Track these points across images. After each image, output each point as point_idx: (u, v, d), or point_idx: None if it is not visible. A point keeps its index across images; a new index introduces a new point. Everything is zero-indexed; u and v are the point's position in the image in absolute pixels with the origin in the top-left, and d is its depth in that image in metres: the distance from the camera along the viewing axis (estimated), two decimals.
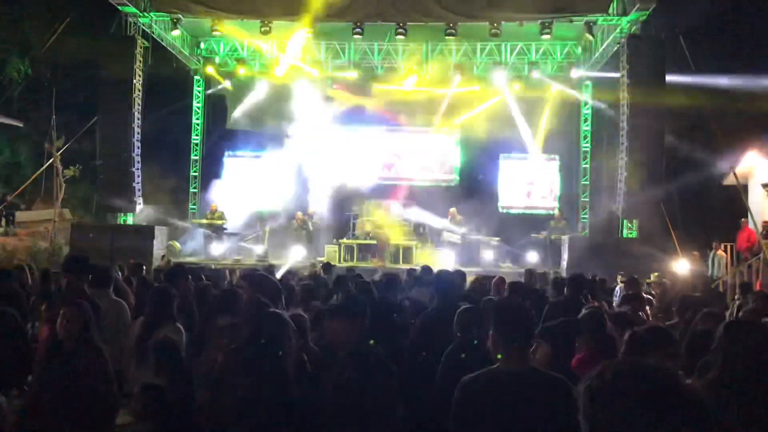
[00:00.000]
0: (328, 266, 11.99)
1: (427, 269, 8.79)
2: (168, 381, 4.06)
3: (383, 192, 21.25)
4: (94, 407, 3.85)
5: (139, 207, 19.32)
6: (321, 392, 3.62)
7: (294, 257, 18.17)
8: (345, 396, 3.49)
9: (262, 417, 3.40)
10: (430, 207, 19.83)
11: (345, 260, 18.68)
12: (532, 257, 18.34)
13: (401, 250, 18.93)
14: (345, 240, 19.57)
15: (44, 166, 21.03)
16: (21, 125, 23.00)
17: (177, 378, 4.06)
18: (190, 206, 22.75)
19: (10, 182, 22.95)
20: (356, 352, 3.63)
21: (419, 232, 19.79)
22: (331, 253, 19.18)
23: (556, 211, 20.06)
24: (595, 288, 6.68)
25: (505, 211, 21.63)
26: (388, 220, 19.54)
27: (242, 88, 22.27)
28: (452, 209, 19.31)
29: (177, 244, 19.83)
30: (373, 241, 18.93)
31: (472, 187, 21.66)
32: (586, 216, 21.35)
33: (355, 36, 18.08)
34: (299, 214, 19.88)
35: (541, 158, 21.73)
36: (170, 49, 20.26)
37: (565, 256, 16.92)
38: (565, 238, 17.55)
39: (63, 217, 20.19)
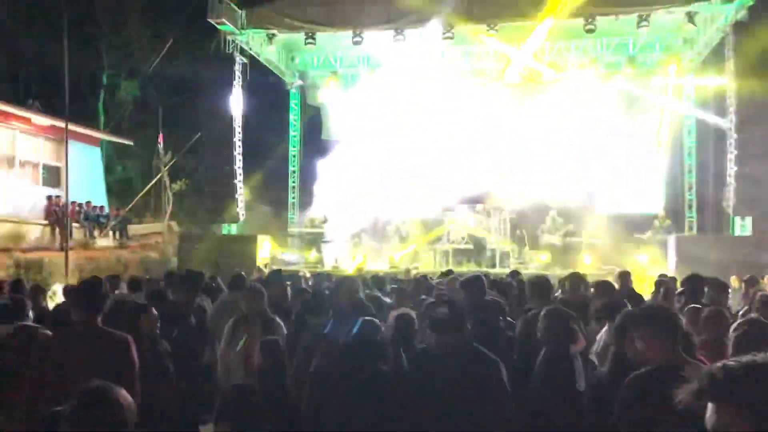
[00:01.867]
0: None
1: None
2: (266, 382, 4.14)
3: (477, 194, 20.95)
4: None
5: (242, 217, 20.04)
6: (425, 395, 3.61)
7: (387, 263, 18.34)
8: (454, 399, 3.48)
9: (360, 424, 3.42)
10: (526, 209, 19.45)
11: (440, 265, 18.61)
12: (636, 259, 17.64)
13: (498, 254, 18.69)
14: (439, 245, 19.52)
15: (153, 182, 22.24)
16: (131, 144, 24.42)
17: (275, 379, 4.12)
18: (290, 215, 23.37)
19: (122, 197, 24.37)
20: (464, 353, 3.63)
21: (516, 234, 19.46)
22: (425, 258, 19.19)
23: (661, 211, 19.24)
24: (716, 289, 6.28)
25: (605, 212, 20.93)
26: (484, 224, 19.35)
27: (336, 99, 22.70)
28: (552, 211, 18.87)
29: (279, 252, 20.40)
30: (470, 245, 18.78)
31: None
32: (693, 215, 20.35)
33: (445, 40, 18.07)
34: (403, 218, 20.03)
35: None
36: (267, 65, 20.94)
37: (672, 256, 16.19)
38: (671, 237, 16.79)
39: (171, 229, 21.25)
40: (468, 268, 17.53)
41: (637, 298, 6.25)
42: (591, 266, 16.98)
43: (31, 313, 5.31)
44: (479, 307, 5.29)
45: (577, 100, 20.21)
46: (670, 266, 16.01)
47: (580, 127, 19.99)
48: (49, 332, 4.71)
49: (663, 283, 8.01)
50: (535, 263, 18.18)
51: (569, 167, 19.92)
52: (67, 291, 6.38)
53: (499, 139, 20.48)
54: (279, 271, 11.79)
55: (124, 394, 2.40)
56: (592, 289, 6.99)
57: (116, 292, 6.26)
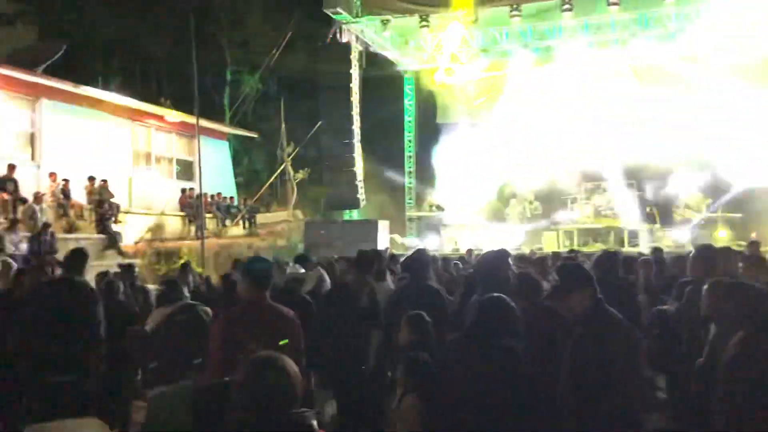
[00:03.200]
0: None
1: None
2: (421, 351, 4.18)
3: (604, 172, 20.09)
4: None
5: (362, 203, 20.38)
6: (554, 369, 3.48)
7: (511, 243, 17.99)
8: (586, 371, 3.34)
9: (493, 406, 3.34)
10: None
11: (564, 246, 18.08)
12: None
13: (626, 233, 17.94)
14: (563, 225, 18.97)
15: (277, 172, 23.06)
16: (256, 136, 25.41)
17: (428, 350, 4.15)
18: (407, 200, 23.51)
19: (249, 188, 25.43)
20: (594, 320, 3.44)
21: (647, 212, 18.54)
22: (549, 238, 18.71)
23: None
24: None
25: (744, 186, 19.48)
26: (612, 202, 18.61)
27: (452, 82, 22.50)
28: (688, 185, 17.78)
29: (398, 237, 20.60)
30: (598, 224, 18.12)
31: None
32: None
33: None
34: (522, 198, 19.63)
35: None
36: (381, 51, 21.08)
37: None
38: None
39: (296, 217, 21.95)
40: (594, 249, 16.95)
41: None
42: (727, 241, 15.95)
43: (186, 293, 5.65)
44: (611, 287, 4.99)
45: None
46: None
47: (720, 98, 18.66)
48: (208, 309, 5.03)
49: None
50: (666, 241, 17.27)
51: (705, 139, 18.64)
52: (226, 275, 6.76)
53: (629, 113, 19.45)
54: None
55: (292, 365, 2.48)
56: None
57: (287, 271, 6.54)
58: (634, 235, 17.88)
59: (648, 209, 18.52)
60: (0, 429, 4.54)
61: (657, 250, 9.91)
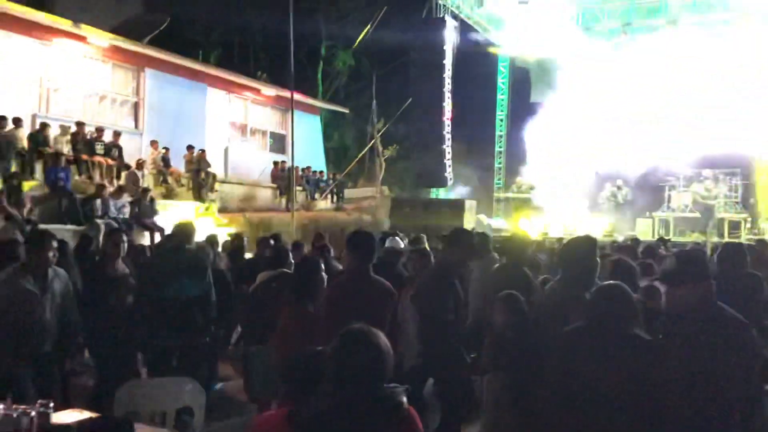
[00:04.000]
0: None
1: None
2: (516, 332, 4.10)
3: (703, 160, 19.11)
4: None
5: (449, 182, 20.25)
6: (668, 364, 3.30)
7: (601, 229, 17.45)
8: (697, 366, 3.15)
9: (611, 402, 3.22)
10: None
11: (659, 234, 17.38)
12: None
13: (727, 223, 17.05)
14: (659, 213, 18.21)
15: (367, 148, 23.22)
16: (347, 111, 25.63)
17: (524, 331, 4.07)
18: (496, 180, 23.21)
19: (338, 163, 25.76)
20: (708, 315, 3.19)
21: (749, 202, 17.56)
22: (643, 226, 18.02)
23: None
24: None
25: None
26: (713, 190, 17.69)
27: (546, 60, 21.93)
28: None
29: (484, 218, 20.37)
30: (695, 214, 17.31)
31: None
32: None
33: None
34: (616, 183, 18.99)
35: None
36: (476, 27, 20.74)
37: None
38: None
39: (383, 194, 22.07)
40: (691, 239, 16.22)
41: None
42: None
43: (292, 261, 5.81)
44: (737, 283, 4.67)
45: None
46: None
47: None
48: None
49: None
50: None
51: None
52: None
53: (736, 97, 18.34)
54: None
55: (384, 340, 2.47)
56: None
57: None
58: (735, 227, 16.98)
59: (751, 200, 17.55)
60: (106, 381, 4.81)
61: (760, 243, 9.38)
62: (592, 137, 19.37)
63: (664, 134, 18.79)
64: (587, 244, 4.23)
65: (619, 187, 19.11)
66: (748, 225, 17.06)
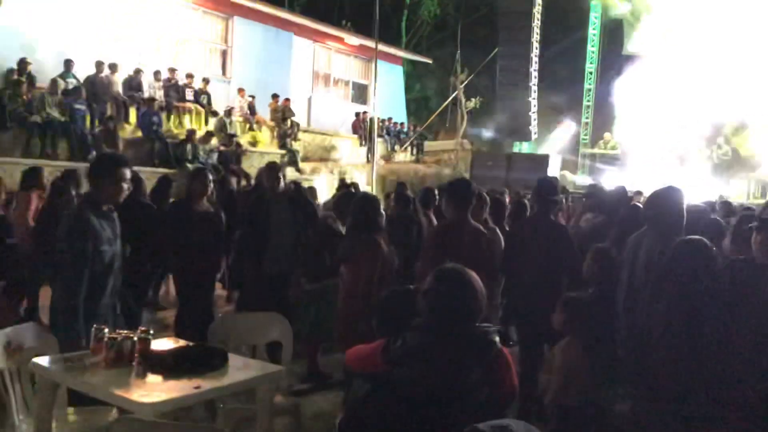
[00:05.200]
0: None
1: None
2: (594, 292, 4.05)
3: None
4: None
5: (534, 135, 19.78)
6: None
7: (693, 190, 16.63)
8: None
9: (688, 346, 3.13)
10: None
11: (754, 197, 16.47)
12: None
13: None
14: (756, 174, 17.21)
15: (449, 99, 22.87)
16: (430, 62, 25.26)
17: (603, 290, 4.01)
18: (582, 136, 22.46)
19: (419, 114, 25.55)
20: None
21: None
22: (738, 187, 17.08)
23: None
24: None
25: None
26: None
27: (640, 11, 20.82)
28: None
29: (569, 174, 19.86)
30: None
31: None
32: None
33: None
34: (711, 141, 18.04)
35: None
36: None
37: None
38: None
39: (464, 147, 21.77)
40: None
41: None
42: None
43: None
44: None
45: None
46: None
47: None
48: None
49: None
50: None
51: None
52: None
53: None
54: None
55: (478, 280, 2.46)
56: None
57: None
58: None
59: None
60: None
61: None
62: (686, 91, 18.36)
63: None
64: (671, 195, 4.02)
65: (719, 146, 18.12)
66: None
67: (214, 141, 14.00)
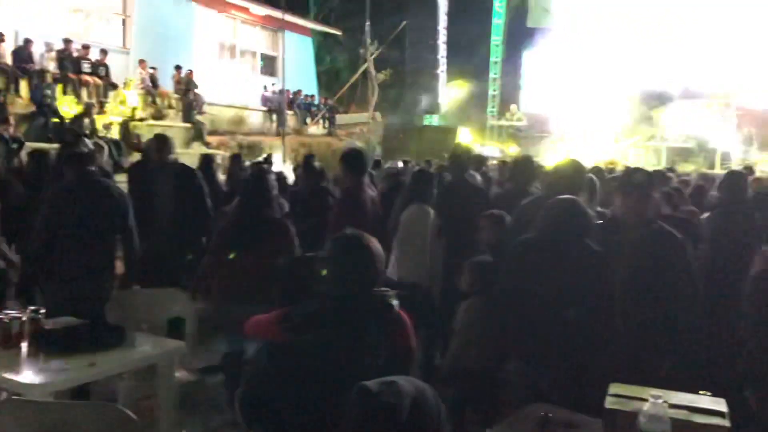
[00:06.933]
0: None
1: None
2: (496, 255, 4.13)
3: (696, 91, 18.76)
4: None
5: (443, 108, 20.05)
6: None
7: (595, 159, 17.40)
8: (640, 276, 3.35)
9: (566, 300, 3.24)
10: None
11: (651, 164, 17.37)
12: None
13: (718, 154, 17.05)
14: (651, 143, 18.15)
15: (359, 72, 22.77)
16: (339, 33, 25.00)
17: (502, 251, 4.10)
18: (489, 108, 22.94)
19: (330, 87, 25.32)
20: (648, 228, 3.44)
21: (744, 133, 17.53)
22: (636, 156, 17.99)
23: None
24: None
25: None
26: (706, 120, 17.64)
27: None
28: None
29: (477, 145, 20.27)
30: (689, 144, 17.29)
31: None
32: None
33: None
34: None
35: None
36: None
37: None
38: None
39: (375, 119, 21.81)
40: (682, 170, 16.24)
41: None
42: None
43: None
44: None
45: None
46: None
47: None
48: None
49: None
50: (762, 165, 16.33)
51: None
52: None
53: (732, 19, 17.97)
54: None
55: (376, 244, 2.48)
56: None
57: None
58: (727, 157, 17.01)
59: (746, 130, 17.52)
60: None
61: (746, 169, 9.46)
62: (589, 64, 19.06)
63: (660, 62, 18.52)
64: (573, 168, 4.18)
65: (611, 116, 18.95)
66: (740, 155, 17.07)
67: (113, 115, 13.41)
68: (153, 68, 16.13)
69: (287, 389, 2.26)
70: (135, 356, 3.12)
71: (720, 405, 2.27)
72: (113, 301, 4.03)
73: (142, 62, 16.11)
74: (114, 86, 14.66)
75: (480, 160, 8.08)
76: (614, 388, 2.39)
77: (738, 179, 5.11)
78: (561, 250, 3.26)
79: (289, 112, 19.52)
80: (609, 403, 2.30)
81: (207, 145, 15.60)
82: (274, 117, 18.94)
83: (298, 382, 2.25)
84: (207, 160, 8.10)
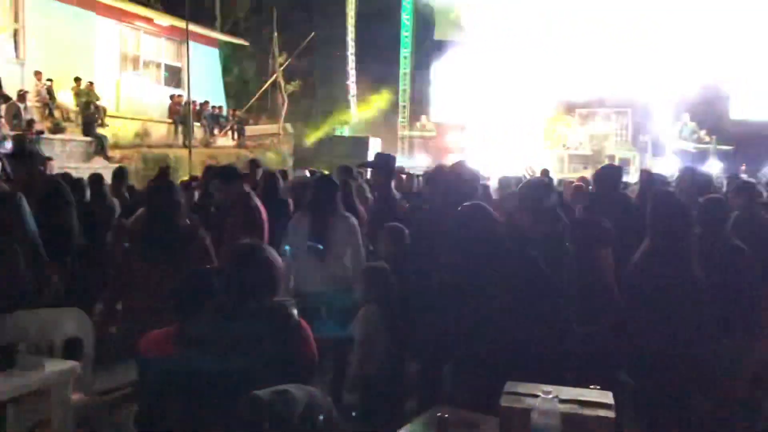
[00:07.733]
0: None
1: None
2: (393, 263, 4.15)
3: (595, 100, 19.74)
4: None
5: (354, 118, 20.13)
6: None
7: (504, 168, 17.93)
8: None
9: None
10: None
11: (557, 172, 18.08)
12: None
13: (617, 160, 17.92)
14: (556, 151, 18.91)
15: (268, 83, 22.58)
16: (247, 44, 24.70)
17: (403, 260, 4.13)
18: (400, 119, 23.18)
19: (238, 99, 24.94)
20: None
21: (638, 141, 18.54)
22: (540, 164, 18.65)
23: None
24: None
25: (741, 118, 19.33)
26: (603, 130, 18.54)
27: None
28: (684, 114, 17.74)
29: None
30: (587, 151, 18.11)
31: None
32: None
33: None
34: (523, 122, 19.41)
35: None
36: None
37: None
38: None
39: (286, 130, 21.66)
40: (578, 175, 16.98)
41: None
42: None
43: None
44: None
45: None
46: None
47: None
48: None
49: None
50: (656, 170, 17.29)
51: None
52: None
53: (627, 32, 19.01)
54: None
55: (274, 254, 2.47)
56: None
57: None
58: (625, 163, 17.87)
59: (641, 137, 18.54)
60: None
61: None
62: (498, 76, 19.64)
63: (563, 73, 19.32)
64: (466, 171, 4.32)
65: (521, 124, 19.57)
66: (635, 162, 18.01)
67: (6, 128, 12.73)
68: (50, 80, 15.45)
69: (181, 407, 2.20)
70: (25, 381, 2.96)
71: (607, 398, 2.38)
72: (4, 321, 3.81)
73: (37, 74, 15.41)
74: (7, 98, 13.93)
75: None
76: (510, 386, 2.47)
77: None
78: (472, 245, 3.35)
79: (197, 124, 19.11)
80: (504, 401, 2.37)
81: (109, 159, 15.05)
82: (180, 129, 18.46)
83: (192, 398, 2.20)
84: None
